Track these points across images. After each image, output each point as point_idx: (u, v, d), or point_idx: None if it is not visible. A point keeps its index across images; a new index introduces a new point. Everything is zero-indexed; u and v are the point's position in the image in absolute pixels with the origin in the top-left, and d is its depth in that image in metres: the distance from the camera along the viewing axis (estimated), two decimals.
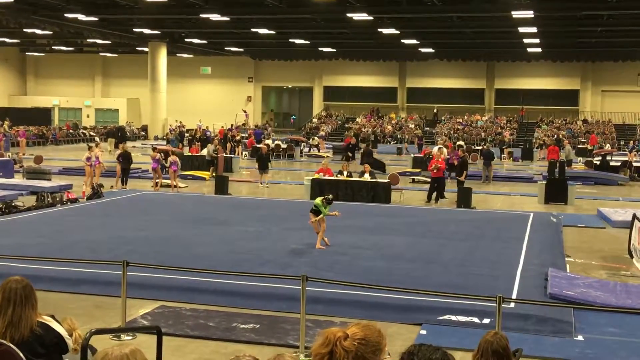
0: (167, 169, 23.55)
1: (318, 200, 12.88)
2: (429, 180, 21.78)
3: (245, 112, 54.88)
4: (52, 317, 3.87)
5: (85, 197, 19.03)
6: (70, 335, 3.90)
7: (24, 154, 31.89)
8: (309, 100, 60.07)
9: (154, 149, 23.08)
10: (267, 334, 8.19)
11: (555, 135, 44.49)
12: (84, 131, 49.65)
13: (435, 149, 26.07)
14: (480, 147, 36.68)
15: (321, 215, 12.67)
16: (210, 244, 13.09)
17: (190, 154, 30.70)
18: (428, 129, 50.56)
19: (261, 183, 24.07)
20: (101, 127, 52.93)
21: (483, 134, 48.38)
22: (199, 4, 32.57)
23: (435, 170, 20.43)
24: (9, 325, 3.59)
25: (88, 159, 21.66)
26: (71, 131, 47.99)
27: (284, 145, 36.93)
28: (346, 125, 52.45)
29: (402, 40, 41.36)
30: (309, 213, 12.91)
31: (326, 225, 12.88)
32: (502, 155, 38.17)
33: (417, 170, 27.84)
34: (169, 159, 22.73)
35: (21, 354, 3.48)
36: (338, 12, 32.93)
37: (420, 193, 22.01)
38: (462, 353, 7.12)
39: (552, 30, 36.80)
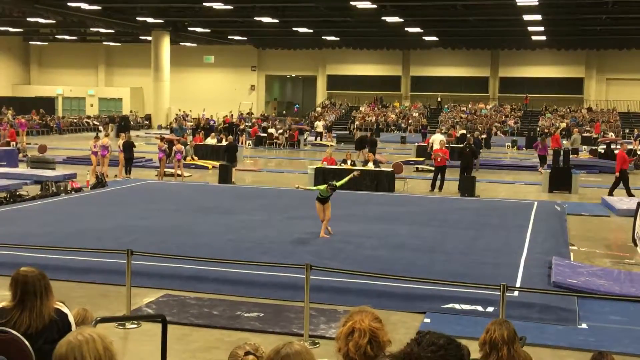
0: (171, 159, 23.59)
1: (322, 187, 12.87)
2: (432, 168, 21.76)
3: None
4: (63, 303, 3.90)
5: (89, 187, 19.06)
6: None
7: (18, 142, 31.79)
8: (313, 89, 59.98)
9: (161, 139, 23.05)
10: (271, 323, 8.21)
11: (557, 125, 44.29)
12: (88, 120, 49.52)
13: (435, 137, 25.82)
14: (484, 136, 36.63)
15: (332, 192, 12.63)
16: (214, 232, 13.12)
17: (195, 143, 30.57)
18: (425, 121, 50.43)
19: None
20: (104, 116, 52.86)
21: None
22: None
23: (438, 159, 20.40)
24: (36, 317, 3.65)
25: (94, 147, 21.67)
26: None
27: (286, 135, 36.95)
28: (353, 113, 52.41)
29: (406, 29, 41.17)
30: (315, 202, 12.91)
31: (330, 214, 12.89)
32: (507, 144, 38.03)
33: (421, 159, 27.79)
34: (174, 148, 22.72)
35: (26, 342, 3.51)
36: (341, 1, 32.80)
37: (424, 182, 22.00)
38: (466, 341, 7.09)
39: (557, 18, 36.56)
